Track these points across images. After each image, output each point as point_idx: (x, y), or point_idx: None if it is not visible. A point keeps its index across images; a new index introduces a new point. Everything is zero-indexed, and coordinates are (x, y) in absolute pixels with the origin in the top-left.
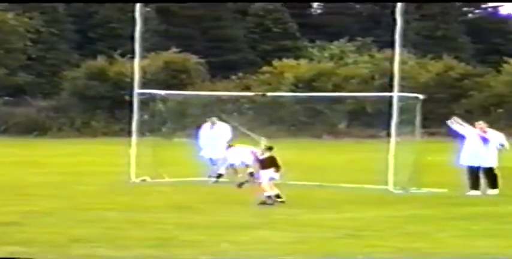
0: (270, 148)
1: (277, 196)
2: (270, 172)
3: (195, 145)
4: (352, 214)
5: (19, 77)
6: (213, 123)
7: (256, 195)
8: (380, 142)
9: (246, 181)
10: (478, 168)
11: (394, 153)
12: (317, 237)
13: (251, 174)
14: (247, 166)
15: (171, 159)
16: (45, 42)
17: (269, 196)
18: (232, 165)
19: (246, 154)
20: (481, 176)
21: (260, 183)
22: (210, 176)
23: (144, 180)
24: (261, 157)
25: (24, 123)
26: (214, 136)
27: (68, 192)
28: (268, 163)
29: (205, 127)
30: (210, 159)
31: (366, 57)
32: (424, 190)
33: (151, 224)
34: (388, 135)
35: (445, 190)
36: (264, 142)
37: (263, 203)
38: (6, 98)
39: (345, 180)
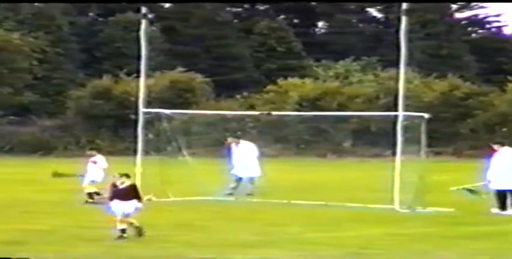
0: (127, 176)
1: (123, 231)
2: (129, 203)
3: (203, 164)
4: (356, 233)
5: (24, 96)
6: (237, 143)
7: (111, 229)
8: (385, 161)
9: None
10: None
11: (399, 172)
12: (321, 256)
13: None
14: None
15: (177, 178)
16: (50, 61)
17: (123, 230)
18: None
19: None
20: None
21: (120, 216)
22: (227, 194)
23: (149, 199)
24: (121, 186)
25: (29, 142)
26: (242, 154)
27: (71, 210)
28: (129, 192)
29: (232, 147)
30: (241, 177)
31: (371, 76)
32: (430, 209)
33: (155, 242)
34: (393, 154)
35: (451, 209)
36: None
37: (120, 237)
38: (12, 117)
39: (350, 199)
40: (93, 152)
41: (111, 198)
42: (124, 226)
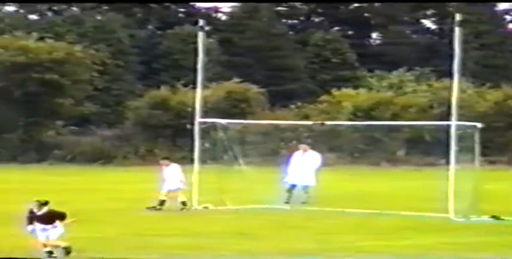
0: (45, 203)
1: (50, 252)
2: (55, 228)
3: (258, 172)
4: (411, 241)
5: (85, 107)
6: (305, 150)
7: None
8: (439, 170)
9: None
10: None
11: (454, 181)
12: None
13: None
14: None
15: (233, 186)
16: (110, 73)
17: (50, 252)
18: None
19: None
20: None
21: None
22: (286, 203)
23: (206, 207)
24: (39, 213)
25: (89, 151)
26: (304, 163)
27: (130, 218)
28: (49, 218)
29: (297, 154)
30: (294, 185)
31: (424, 87)
32: (485, 218)
33: (211, 250)
34: (447, 163)
35: (509, 218)
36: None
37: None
38: (73, 127)
39: (404, 208)
40: (166, 161)
41: (31, 223)
42: (49, 248)
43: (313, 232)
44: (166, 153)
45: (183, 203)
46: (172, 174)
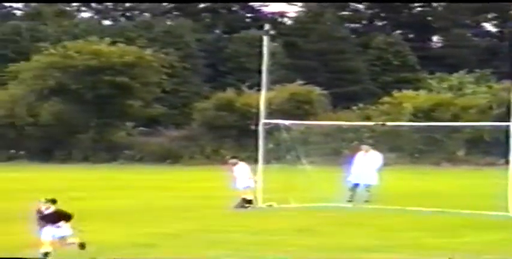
0: (54, 201)
1: (46, 254)
2: (59, 228)
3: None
4: (472, 238)
5: (154, 108)
6: (367, 151)
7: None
8: (499, 169)
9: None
10: None
11: None
12: None
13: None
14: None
15: (296, 185)
16: (178, 76)
17: (46, 253)
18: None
19: None
20: None
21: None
22: (347, 201)
23: (270, 206)
24: (46, 212)
25: (158, 152)
26: (367, 163)
27: (197, 214)
28: (56, 217)
29: (360, 154)
30: (357, 184)
31: (484, 88)
32: None
33: (278, 246)
34: (507, 162)
35: None
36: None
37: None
38: (142, 128)
39: (465, 206)
40: (235, 160)
41: (41, 224)
42: (48, 249)
43: (375, 229)
44: (231, 153)
45: (250, 201)
46: (241, 173)
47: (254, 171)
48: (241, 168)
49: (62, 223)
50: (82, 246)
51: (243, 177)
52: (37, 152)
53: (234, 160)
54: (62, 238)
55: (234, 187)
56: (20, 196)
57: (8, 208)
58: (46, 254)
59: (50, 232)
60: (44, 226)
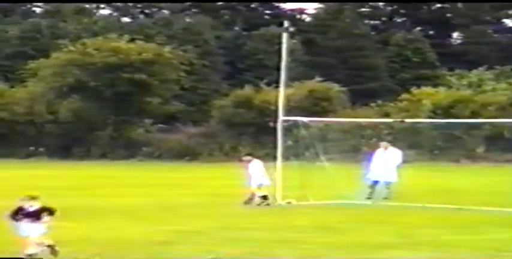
0: (35, 198)
1: (31, 255)
2: (44, 224)
3: (339, 169)
4: (492, 235)
5: (172, 105)
6: (386, 148)
7: (22, 250)
8: None
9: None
10: None
11: None
12: (459, 258)
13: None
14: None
15: (315, 182)
16: (197, 73)
17: (31, 255)
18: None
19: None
20: None
21: (35, 237)
22: (366, 198)
23: (289, 203)
24: (31, 209)
25: (176, 148)
26: (386, 160)
27: (216, 212)
28: (39, 214)
29: (379, 151)
30: (376, 181)
31: (504, 85)
32: None
33: (297, 244)
34: None
35: None
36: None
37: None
38: (160, 125)
39: (484, 203)
40: (249, 157)
41: (20, 220)
42: (33, 250)
43: (395, 227)
44: (249, 150)
45: (264, 197)
46: (255, 170)
47: (273, 168)
48: (256, 165)
49: (47, 219)
50: (53, 249)
51: (257, 174)
52: (56, 149)
53: (248, 158)
54: (39, 236)
55: (247, 184)
56: (39, 193)
57: None
58: (31, 255)
59: (36, 230)
60: (28, 223)
